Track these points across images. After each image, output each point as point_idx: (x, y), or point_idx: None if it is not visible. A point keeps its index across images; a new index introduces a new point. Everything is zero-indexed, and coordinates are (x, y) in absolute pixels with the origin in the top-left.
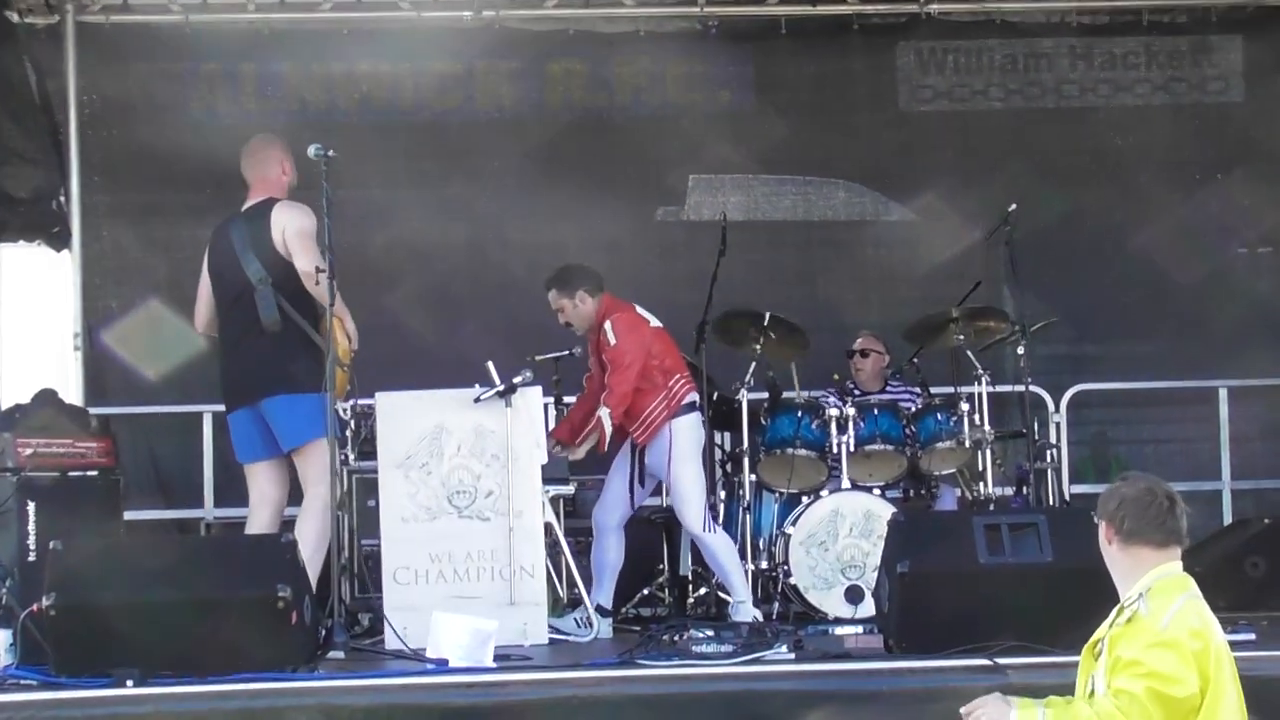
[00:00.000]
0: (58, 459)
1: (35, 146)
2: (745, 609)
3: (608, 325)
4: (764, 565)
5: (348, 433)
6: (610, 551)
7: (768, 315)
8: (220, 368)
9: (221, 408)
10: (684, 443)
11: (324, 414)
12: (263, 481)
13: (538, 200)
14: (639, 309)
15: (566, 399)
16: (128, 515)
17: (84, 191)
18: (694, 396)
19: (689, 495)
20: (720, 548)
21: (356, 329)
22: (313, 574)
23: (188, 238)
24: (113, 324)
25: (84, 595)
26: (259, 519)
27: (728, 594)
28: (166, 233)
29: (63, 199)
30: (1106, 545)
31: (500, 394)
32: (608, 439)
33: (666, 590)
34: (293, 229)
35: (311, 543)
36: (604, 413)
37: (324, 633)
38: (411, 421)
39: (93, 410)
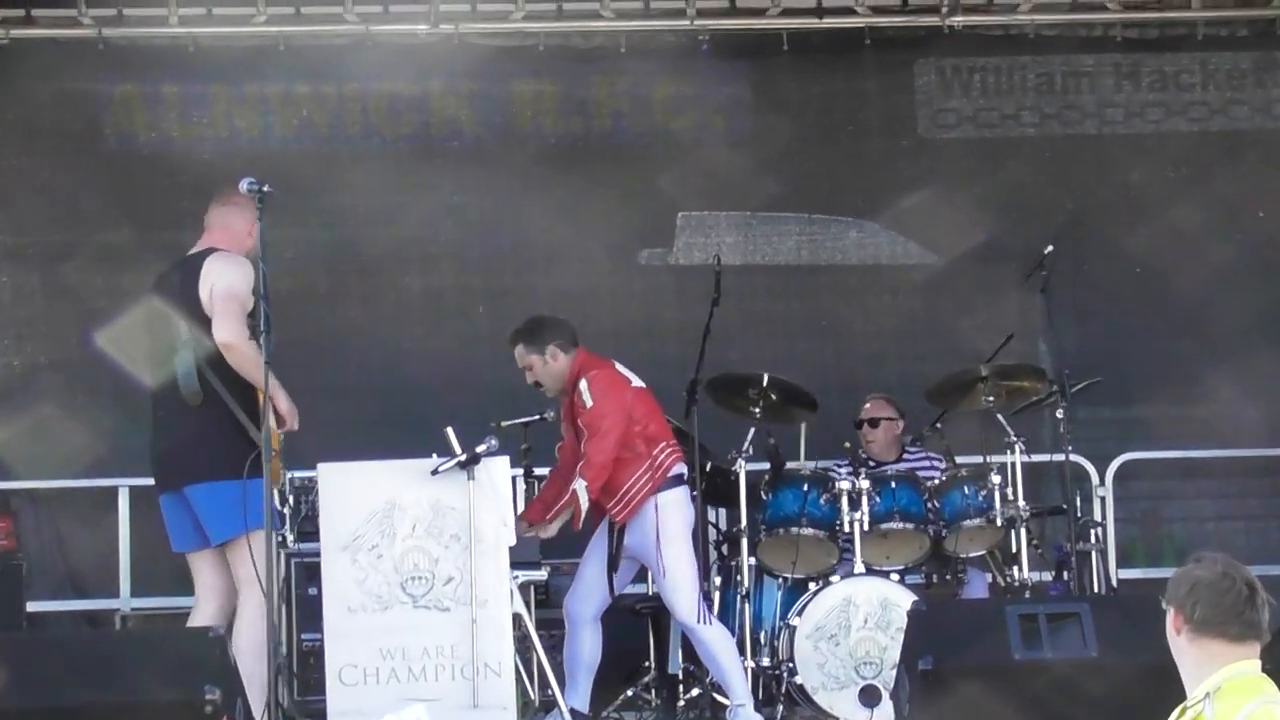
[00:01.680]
0: None
1: None
2: (745, 713)
3: (583, 385)
4: (766, 662)
5: (285, 510)
6: (585, 646)
7: (766, 376)
8: (149, 440)
9: (140, 481)
10: (671, 521)
11: (253, 503)
12: (206, 571)
13: (502, 241)
14: (619, 366)
15: (538, 470)
16: (31, 606)
17: None
18: (682, 468)
19: (679, 581)
20: (716, 642)
21: (293, 405)
22: (254, 692)
23: (102, 285)
24: (13, 386)
25: None
26: (204, 612)
27: (724, 696)
28: (78, 279)
29: None
30: (1174, 636)
31: (461, 465)
32: (583, 515)
33: (653, 691)
34: (220, 286)
35: (249, 654)
36: (579, 485)
37: None
38: (359, 497)
39: None
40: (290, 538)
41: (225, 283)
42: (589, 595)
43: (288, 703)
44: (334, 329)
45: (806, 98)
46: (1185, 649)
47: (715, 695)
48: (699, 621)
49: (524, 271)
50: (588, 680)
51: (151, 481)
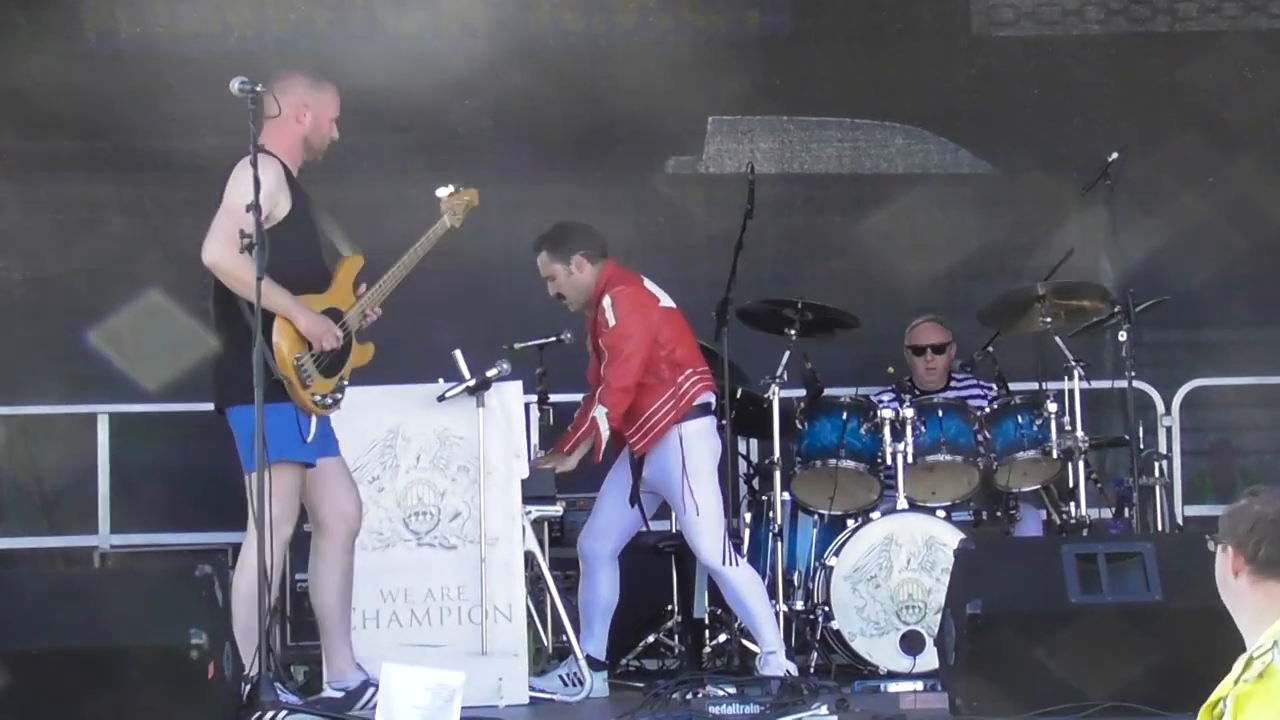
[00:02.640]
0: None
1: None
2: (776, 660)
3: (607, 301)
4: (800, 606)
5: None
6: (602, 588)
7: (800, 302)
8: None
9: (121, 407)
10: (696, 452)
11: (275, 432)
12: None
13: (519, 151)
14: (648, 283)
15: (553, 397)
16: (1, 543)
17: None
18: (710, 396)
19: (704, 519)
20: (744, 584)
21: (319, 320)
22: (242, 630)
23: (80, 197)
24: None
25: None
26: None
27: (754, 642)
28: (53, 190)
29: None
30: (1230, 578)
31: (470, 390)
32: (603, 445)
33: (676, 637)
34: (223, 200)
35: (245, 599)
36: (599, 412)
37: (248, 690)
38: (359, 426)
39: None
40: None
41: (226, 196)
42: (606, 532)
43: (279, 648)
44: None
45: None
46: (1245, 593)
47: (744, 641)
48: (725, 563)
49: (542, 181)
50: (604, 625)
51: (130, 408)
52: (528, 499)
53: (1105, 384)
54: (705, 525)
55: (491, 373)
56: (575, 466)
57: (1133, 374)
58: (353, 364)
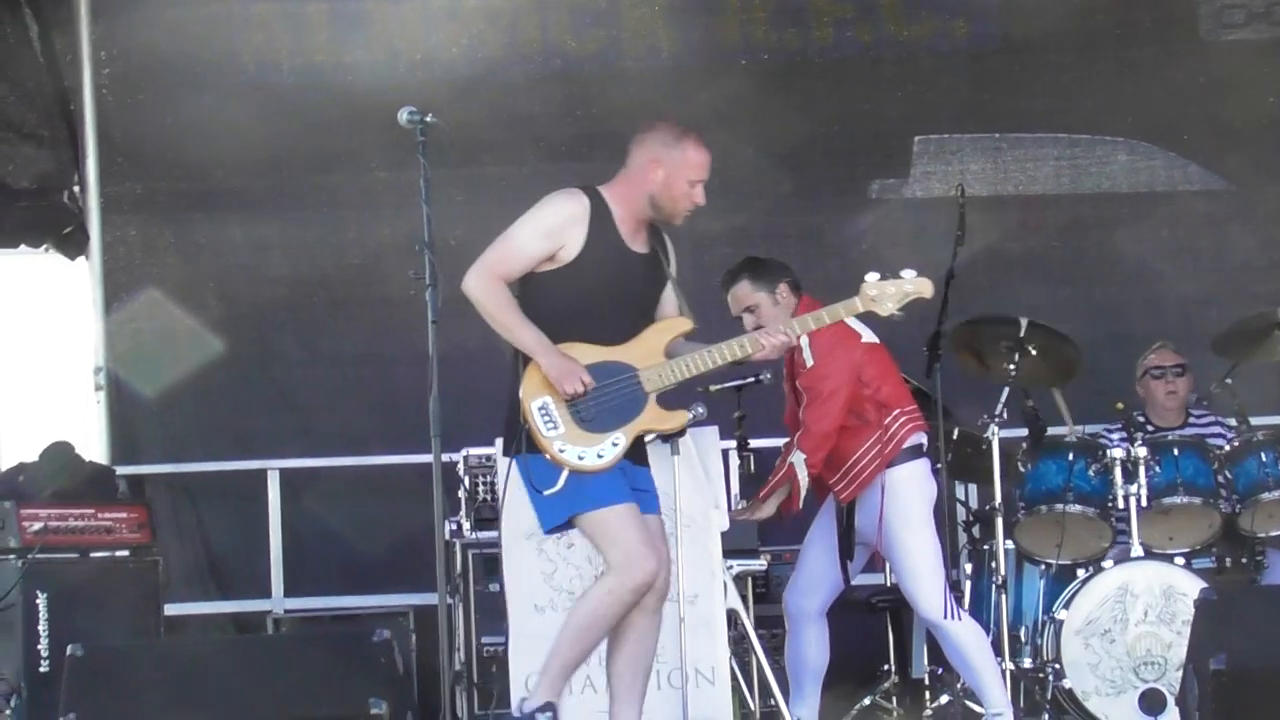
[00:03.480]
0: (76, 536)
1: (39, 120)
2: None
3: (804, 340)
4: (1027, 664)
5: (460, 494)
6: (810, 648)
7: (1025, 322)
8: None
9: (292, 463)
10: (908, 499)
11: (568, 487)
12: None
13: (709, 175)
14: (849, 318)
15: (753, 442)
16: (169, 609)
17: (104, 179)
18: (922, 437)
19: (920, 569)
20: (968, 640)
21: (563, 362)
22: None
23: (241, 239)
24: (144, 355)
25: (114, 716)
26: None
27: (979, 703)
28: (213, 232)
29: (77, 189)
30: None
31: (664, 437)
32: (803, 493)
33: (894, 699)
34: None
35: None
36: (798, 459)
37: None
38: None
39: (121, 470)
40: (466, 525)
41: (512, 225)
42: (813, 587)
43: (467, 717)
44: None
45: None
46: None
47: (967, 703)
48: (946, 617)
49: (733, 209)
50: (816, 686)
51: (302, 463)
52: (729, 553)
53: None
54: (922, 575)
55: (687, 417)
56: (773, 513)
57: None
58: (645, 427)
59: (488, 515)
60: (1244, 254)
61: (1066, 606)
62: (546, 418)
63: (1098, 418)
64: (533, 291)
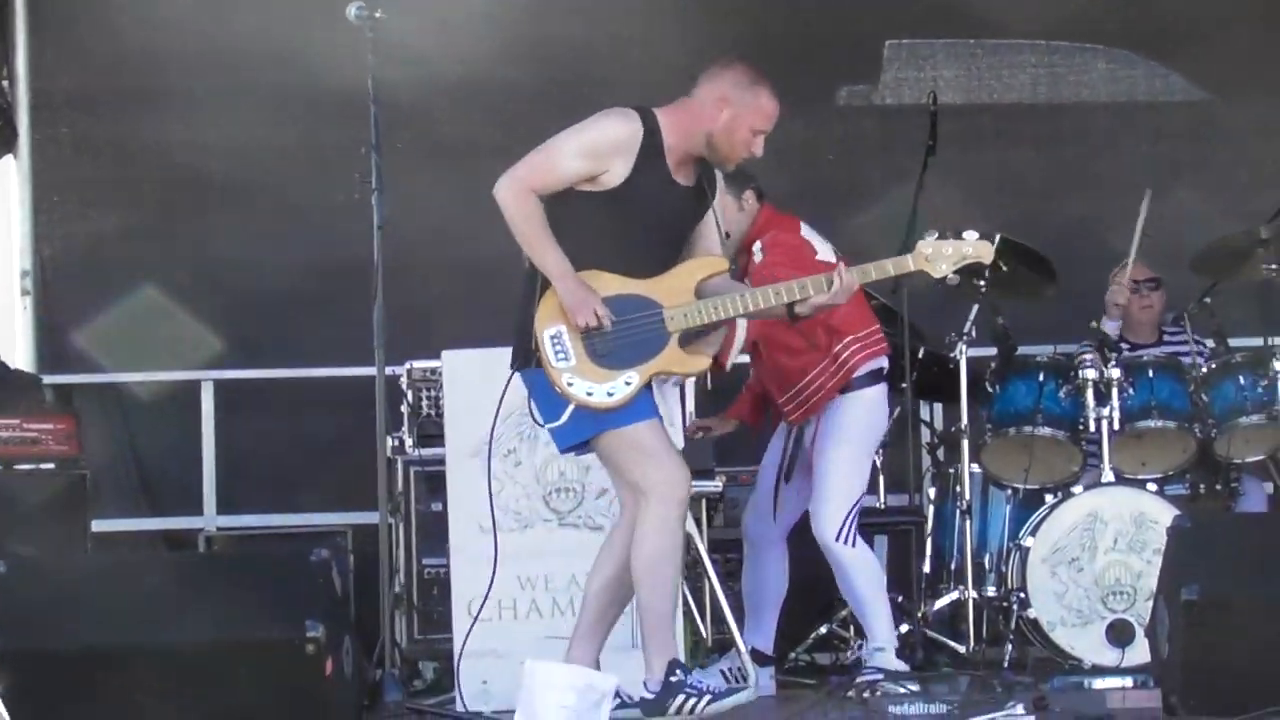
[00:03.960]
0: (1, 447)
1: None
2: (884, 659)
3: (758, 247)
4: (991, 592)
5: (402, 409)
6: (769, 574)
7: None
8: None
9: (227, 373)
10: (849, 420)
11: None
12: None
13: (661, 70)
14: (806, 230)
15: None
16: (97, 525)
17: (35, 73)
18: (880, 361)
19: (834, 488)
20: (858, 568)
21: (578, 287)
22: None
23: (181, 140)
24: (74, 261)
25: (39, 637)
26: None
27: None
28: (152, 133)
29: (5, 83)
30: None
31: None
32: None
33: (852, 629)
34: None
35: (645, 582)
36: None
37: (371, 688)
38: (493, 391)
39: (48, 379)
40: (408, 442)
41: (562, 133)
42: (771, 511)
43: (406, 642)
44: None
45: None
46: None
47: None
48: (840, 540)
49: None
50: (773, 615)
51: (237, 374)
52: None
53: None
54: (833, 495)
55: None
56: (732, 429)
57: None
58: (664, 368)
59: (432, 431)
60: (1227, 170)
61: (1033, 533)
62: (558, 347)
63: (1069, 337)
64: (565, 209)
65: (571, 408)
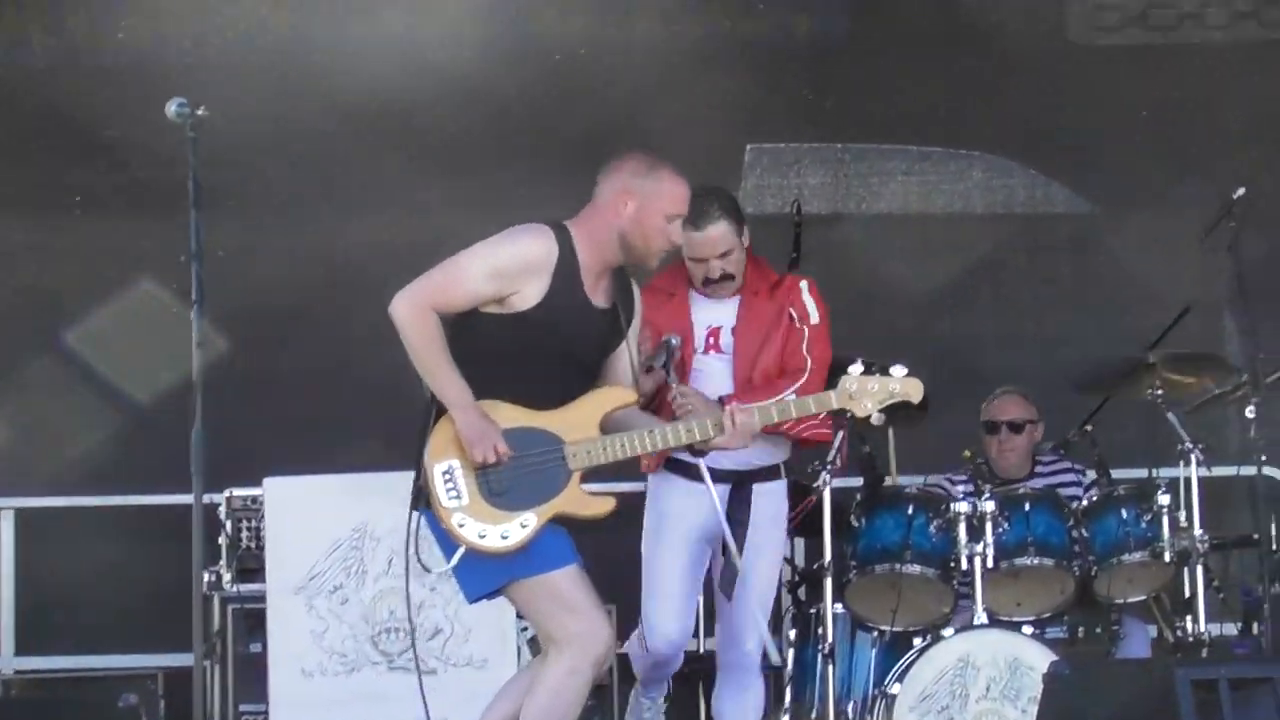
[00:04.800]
0: None
1: None
2: None
3: (805, 286)
4: None
5: (221, 541)
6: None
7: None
8: None
9: (31, 502)
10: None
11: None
12: None
13: (500, 186)
14: None
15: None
16: None
17: None
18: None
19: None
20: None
21: (482, 425)
22: None
23: None
24: None
25: None
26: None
27: None
28: None
29: None
30: None
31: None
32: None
33: None
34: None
35: None
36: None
37: None
38: (319, 522)
39: None
40: (226, 577)
41: (467, 250)
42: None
43: None
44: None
45: None
46: None
47: None
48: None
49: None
50: None
51: (40, 502)
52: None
53: (1229, 471)
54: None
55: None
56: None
57: (1263, 459)
58: (564, 509)
59: (252, 565)
60: (1110, 288)
61: (900, 679)
62: (450, 484)
63: (940, 467)
64: (468, 330)
65: (462, 551)
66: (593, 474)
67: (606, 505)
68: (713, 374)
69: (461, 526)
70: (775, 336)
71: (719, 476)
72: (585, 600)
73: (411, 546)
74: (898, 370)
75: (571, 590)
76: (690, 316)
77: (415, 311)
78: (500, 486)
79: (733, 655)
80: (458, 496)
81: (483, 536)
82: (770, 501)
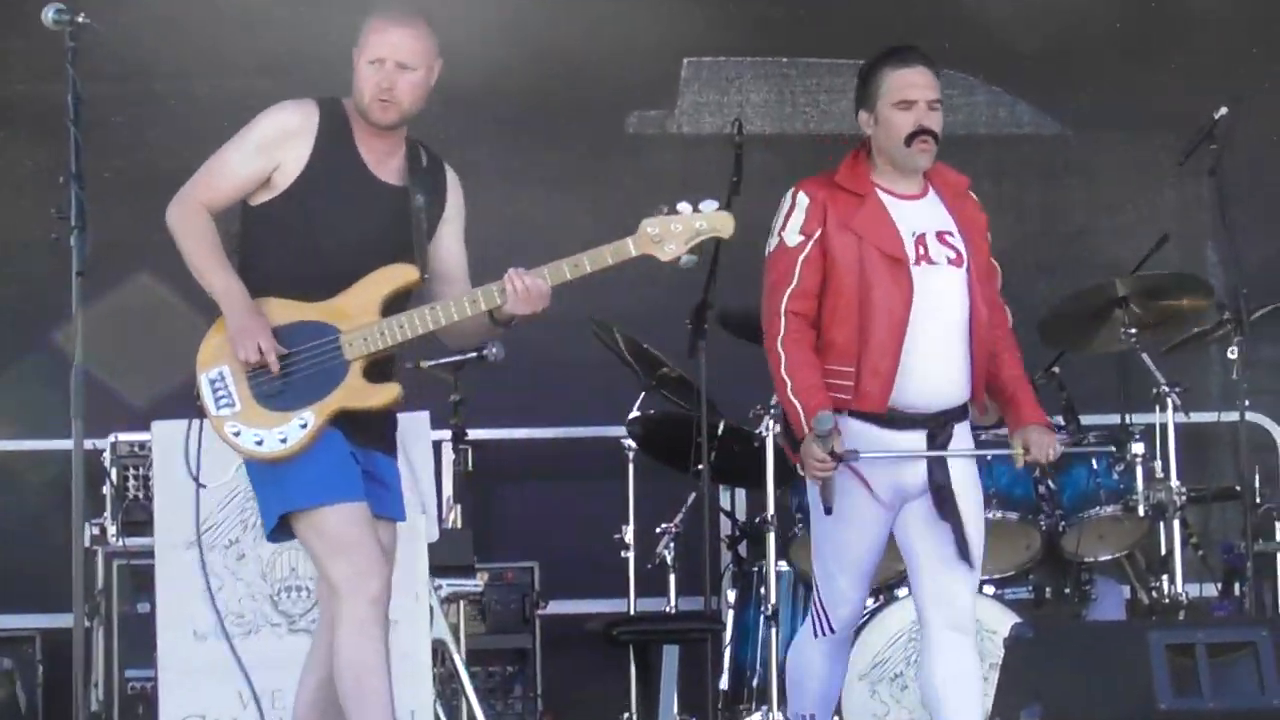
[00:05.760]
0: None
1: None
2: None
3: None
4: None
5: (105, 491)
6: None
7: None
8: None
9: None
10: None
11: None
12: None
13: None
14: None
15: (473, 433)
16: None
17: None
18: None
19: None
20: None
21: (245, 322)
22: None
23: None
24: None
25: None
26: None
27: None
28: None
29: None
30: None
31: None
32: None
33: None
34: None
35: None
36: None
37: None
38: (213, 470)
39: None
40: (112, 531)
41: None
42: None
43: None
44: None
45: None
46: None
47: None
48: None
49: (465, 144)
50: None
51: None
52: (437, 569)
53: (1210, 417)
54: None
55: (396, 392)
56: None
57: (1246, 403)
58: (345, 403)
59: (139, 518)
60: (1081, 214)
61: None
62: (221, 391)
63: None
64: (250, 228)
65: (239, 464)
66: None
67: (390, 393)
68: (936, 292)
69: (237, 435)
70: (985, 248)
71: (910, 422)
72: (358, 539)
73: (191, 459)
74: (707, 205)
75: (341, 528)
76: (892, 220)
77: (185, 211)
78: (274, 387)
79: (945, 614)
80: (231, 404)
81: (260, 443)
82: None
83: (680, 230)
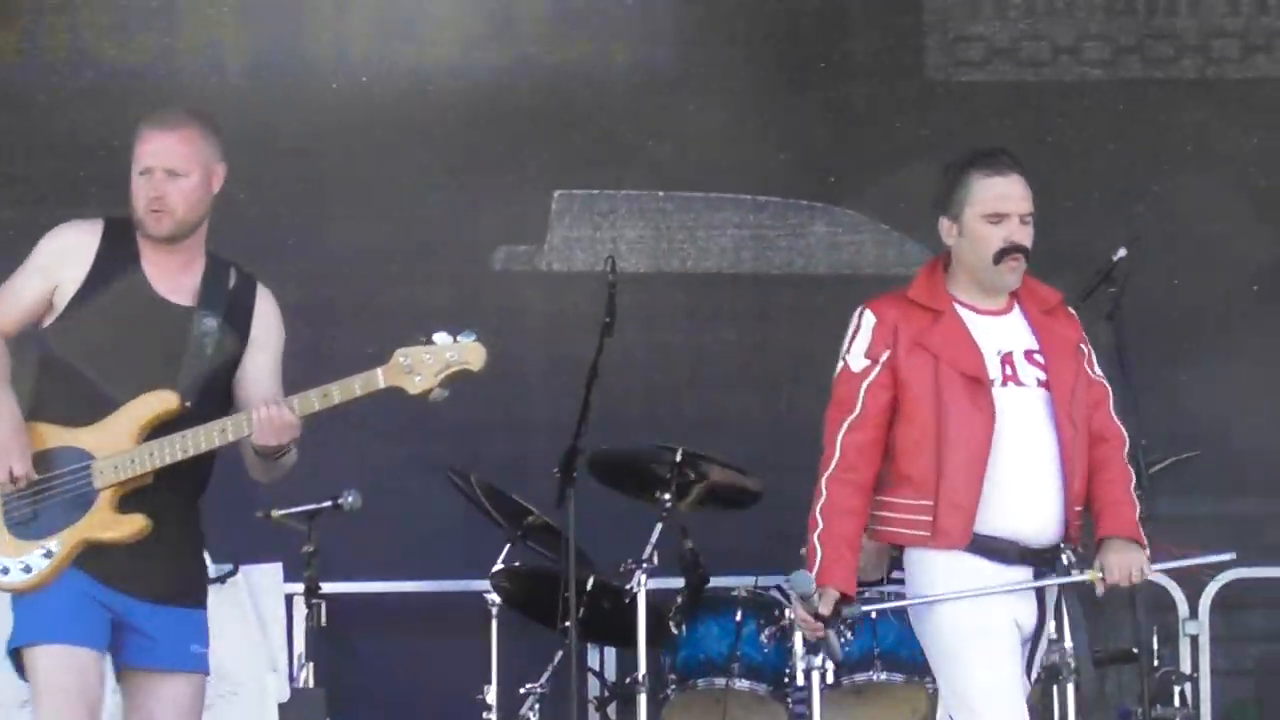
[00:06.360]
0: None
1: None
2: None
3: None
4: None
5: None
6: None
7: (680, 451)
8: None
9: None
10: None
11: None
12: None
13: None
14: None
15: (325, 586)
16: None
17: None
18: None
19: None
20: None
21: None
22: None
23: None
24: None
25: None
26: None
27: None
28: None
29: None
30: None
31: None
32: None
33: None
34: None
35: None
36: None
37: None
38: None
39: None
40: None
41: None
42: None
43: None
44: None
45: (759, 17)
46: None
47: None
48: None
49: (329, 276)
50: None
51: None
52: None
53: None
54: None
55: (141, 524)
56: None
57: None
58: (90, 534)
59: None
60: None
61: None
62: None
63: (774, 567)
64: (42, 352)
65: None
66: None
67: (134, 525)
68: (1021, 416)
69: None
70: (1081, 369)
71: (1015, 557)
72: (62, 688)
73: None
74: (465, 336)
75: (49, 673)
76: (973, 338)
77: None
78: (25, 514)
79: None
80: None
81: (5, 572)
82: None
83: (431, 362)
